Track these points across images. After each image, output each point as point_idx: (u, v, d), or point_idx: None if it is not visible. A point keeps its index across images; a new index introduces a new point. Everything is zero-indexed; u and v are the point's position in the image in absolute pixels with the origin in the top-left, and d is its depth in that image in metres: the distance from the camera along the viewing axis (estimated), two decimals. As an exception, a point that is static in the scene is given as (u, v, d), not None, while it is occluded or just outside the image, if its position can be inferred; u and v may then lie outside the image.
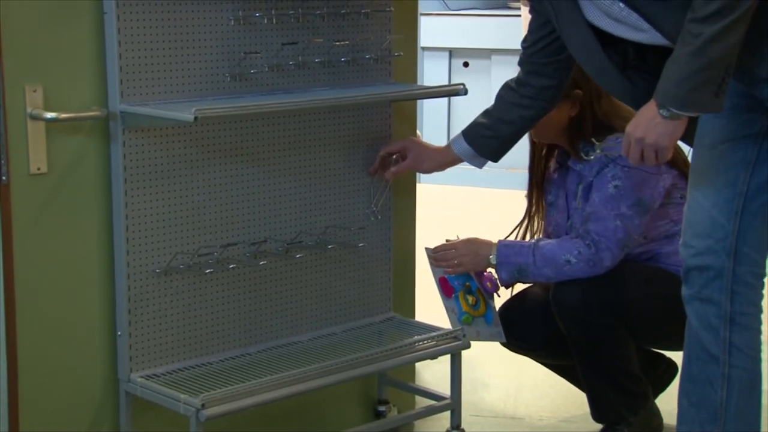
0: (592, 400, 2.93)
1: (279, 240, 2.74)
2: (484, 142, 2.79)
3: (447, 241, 2.95)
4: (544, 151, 3.01)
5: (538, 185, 3.03)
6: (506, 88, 2.77)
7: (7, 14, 2.33)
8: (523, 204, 2.91)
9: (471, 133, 2.80)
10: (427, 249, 2.94)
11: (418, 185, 3.13)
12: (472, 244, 2.89)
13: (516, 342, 3.02)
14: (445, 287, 2.91)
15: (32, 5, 2.36)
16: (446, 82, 6.24)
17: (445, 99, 6.33)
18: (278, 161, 2.73)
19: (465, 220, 5.85)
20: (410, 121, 3.08)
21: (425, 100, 5.80)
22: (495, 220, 5.71)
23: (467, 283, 2.92)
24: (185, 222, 2.59)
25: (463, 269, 2.89)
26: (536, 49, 2.64)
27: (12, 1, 2.33)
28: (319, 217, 2.82)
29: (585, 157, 2.83)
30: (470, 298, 2.91)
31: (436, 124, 6.46)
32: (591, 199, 2.81)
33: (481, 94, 6.30)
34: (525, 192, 3.07)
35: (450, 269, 2.89)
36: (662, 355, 3.12)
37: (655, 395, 3.04)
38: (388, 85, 2.87)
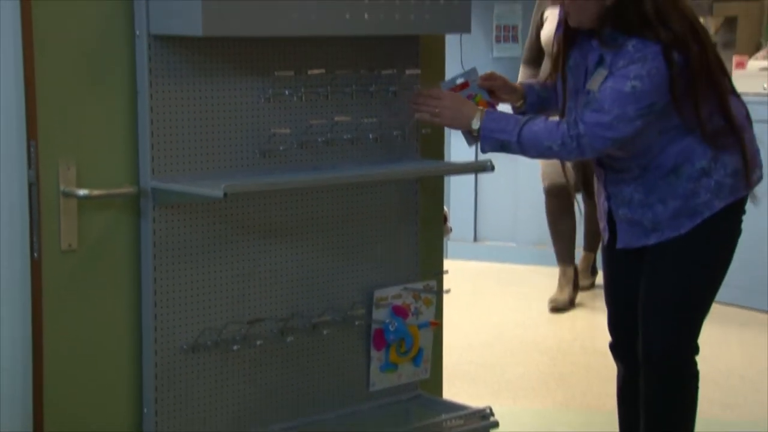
0: None
1: (305, 316, 2.74)
2: None
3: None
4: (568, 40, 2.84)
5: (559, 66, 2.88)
6: None
7: (43, 93, 2.36)
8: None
9: None
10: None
11: (446, 261, 3.12)
12: (459, 101, 2.77)
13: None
14: (378, 339, 2.84)
15: (67, 83, 2.40)
16: (473, 159, 6.24)
17: (473, 174, 6.33)
18: (305, 237, 2.74)
19: (494, 295, 5.83)
20: (437, 195, 3.08)
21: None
22: (525, 292, 5.71)
23: (402, 339, 2.86)
24: (213, 297, 2.59)
25: (440, 122, 2.78)
26: None
27: (47, 79, 2.37)
28: (346, 293, 2.81)
29: (610, 46, 2.69)
30: (402, 345, 2.86)
31: (464, 198, 6.48)
32: (603, 87, 2.68)
33: (507, 170, 6.30)
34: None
35: (426, 117, 2.76)
36: None
37: None
38: (415, 161, 2.88)
